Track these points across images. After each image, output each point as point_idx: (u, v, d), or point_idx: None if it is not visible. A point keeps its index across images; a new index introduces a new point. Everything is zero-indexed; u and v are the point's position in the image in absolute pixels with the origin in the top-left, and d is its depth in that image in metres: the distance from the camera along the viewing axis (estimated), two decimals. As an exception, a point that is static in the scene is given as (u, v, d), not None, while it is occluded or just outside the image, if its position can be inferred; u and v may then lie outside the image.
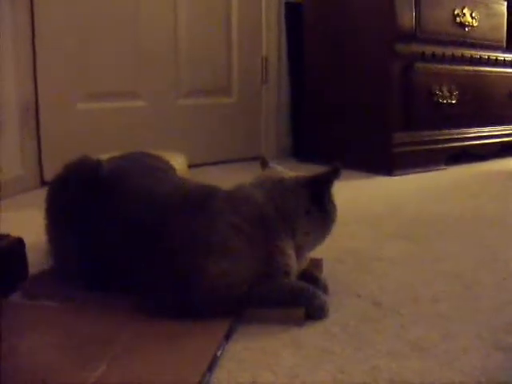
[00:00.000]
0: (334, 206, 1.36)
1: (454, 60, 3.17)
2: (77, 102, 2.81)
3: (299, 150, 3.48)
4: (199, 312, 1.21)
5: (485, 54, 3.37)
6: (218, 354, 1.09)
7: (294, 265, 1.31)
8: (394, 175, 2.90)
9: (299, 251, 1.33)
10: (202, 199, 1.32)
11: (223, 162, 3.16)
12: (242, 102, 3.37)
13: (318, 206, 1.33)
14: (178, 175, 1.58)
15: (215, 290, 1.22)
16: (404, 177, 2.89)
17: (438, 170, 3.07)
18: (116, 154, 1.59)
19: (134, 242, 1.30)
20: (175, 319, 1.20)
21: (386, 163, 2.94)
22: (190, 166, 2.47)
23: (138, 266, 1.28)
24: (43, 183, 2.67)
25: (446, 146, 3.17)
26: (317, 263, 1.50)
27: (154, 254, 1.27)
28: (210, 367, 1.04)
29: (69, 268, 1.41)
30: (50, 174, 2.59)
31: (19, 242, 1.49)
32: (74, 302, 1.33)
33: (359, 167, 2.95)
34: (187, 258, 1.24)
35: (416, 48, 2.99)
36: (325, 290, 1.36)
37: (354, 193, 2.49)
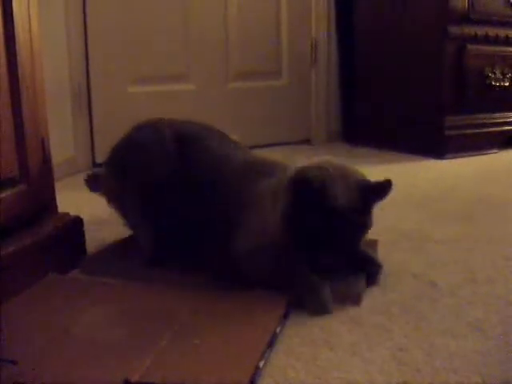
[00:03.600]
0: None
1: (508, 42, 3.09)
2: (127, 85, 2.83)
3: (350, 134, 3.44)
4: (238, 274, 1.27)
5: (539, 36, 3.29)
6: (278, 330, 1.10)
7: None
8: (446, 158, 2.86)
9: None
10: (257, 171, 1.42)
11: (273, 145, 3.15)
12: (292, 84, 3.34)
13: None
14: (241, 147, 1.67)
15: (248, 242, 1.28)
16: (456, 160, 2.85)
17: (490, 153, 3.01)
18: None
19: (203, 203, 1.38)
20: (234, 296, 1.23)
21: (437, 146, 2.90)
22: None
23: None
24: (95, 165, 2.70)
25: (498, 129, 3.09)
26: (372, 244, 1.50)
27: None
28: (270, 343, 1.05)
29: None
30: (101, 157, 2.65)
31: (78, 221, 1.52)
32: (131, 279, 1.36)
33: (411, 150, 2.90)
34: (230, 213, 1.32)
35: (469, 29, 2.92)
36: (380, 270, 1.36)
37: (406, 175, 2.47)
